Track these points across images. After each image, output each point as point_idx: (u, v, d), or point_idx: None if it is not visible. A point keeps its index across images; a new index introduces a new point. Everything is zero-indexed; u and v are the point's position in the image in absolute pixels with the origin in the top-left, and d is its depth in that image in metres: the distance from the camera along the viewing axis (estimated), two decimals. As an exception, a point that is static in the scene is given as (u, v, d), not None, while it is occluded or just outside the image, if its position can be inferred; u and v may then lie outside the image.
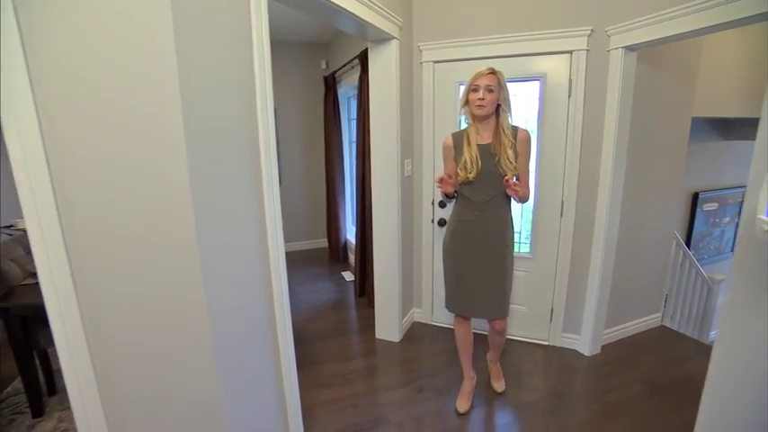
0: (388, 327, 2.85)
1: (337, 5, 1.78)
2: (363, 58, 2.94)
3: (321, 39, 4.55)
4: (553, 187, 2.56)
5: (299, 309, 3.36)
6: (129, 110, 1.09)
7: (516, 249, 2.12)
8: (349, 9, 1.87)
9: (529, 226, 2.73)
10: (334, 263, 4.64)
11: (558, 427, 2.02)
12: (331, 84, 4.35)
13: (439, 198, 2.79)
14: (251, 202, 1.43)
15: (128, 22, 1.04)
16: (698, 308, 3.66)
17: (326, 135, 4.61)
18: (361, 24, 2.09)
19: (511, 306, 2.09)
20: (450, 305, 2.12)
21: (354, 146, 4.16)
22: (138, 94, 1.08)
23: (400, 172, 2.62)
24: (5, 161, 1.09)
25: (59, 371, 2.29)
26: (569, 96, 2.41)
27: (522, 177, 1.93)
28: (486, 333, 2.26)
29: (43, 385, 2.23)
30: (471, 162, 1.88)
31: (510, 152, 1.86)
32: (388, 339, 2.86)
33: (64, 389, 2.28)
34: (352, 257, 4.34)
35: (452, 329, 2.25)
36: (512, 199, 1.92)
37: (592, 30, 2.27)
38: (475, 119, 1.91)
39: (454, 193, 1.98)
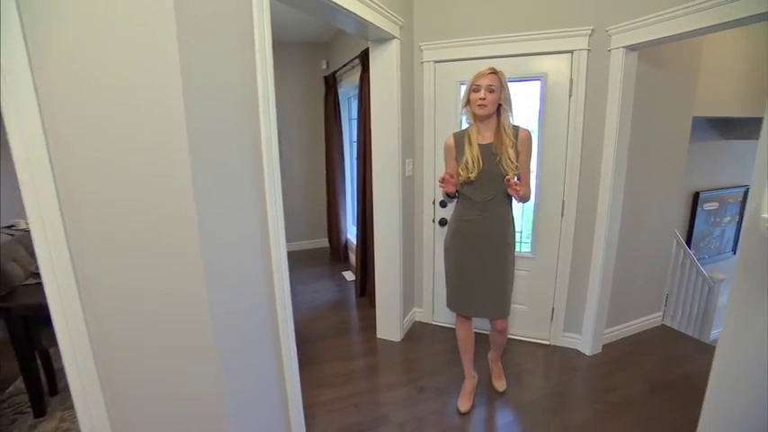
0: (389, 326, 2.86)
1: (338, 5, 1.79)
2: (364, 58, 2.94)
3: (321, 39, 4.56)
4: (554, 187, 2.57)
5: (300, 308, 3.36)
6: (132, 110, 1.09)
7: (517, 249, 2.12)
8: (350, 9, 1.87)
9: (530, 225, 2.73)
10: (334, 262, 4.64)
11: (559, 426, 2.02)
12: (331, 83, 4.35)
13: (440, 198, 2.79)
14: (253, 202, 1.43)
15: (131, 22, 1.04)
16: (698, 307, 3.66)
17: (327, 135, 4.61)
18: (362, 24, 2.09)
19: (512, 305, 2.09)
20: (451, 304, 2.12)
21: (355, 145, 4.16)
22: (140, 94, 1.08)
23: (401, 171, 2.63)
24: (6, 161, 1.09)
25: (61, 371, 2.31)
26: (570, 96, 2.41)
27: (523, 177, 1.93)
28: (488, 332, 2.26)
29: (45, 385, 2.23)
30: (473, 162, 1.88)
31: (511, 152, 1.86)
32: (390, 339, 2.86)
33: (65, 388, 2.30)
34: (352, 257, 4.35)
35: (453, 329, 2.26)
36: (513, 198, 1.92)
37: (592, 29, 2.27)
38: (476, 118, 1.91)
39: (455, 192, 1.98)
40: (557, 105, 2.46)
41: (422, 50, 2.67)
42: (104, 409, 1.22)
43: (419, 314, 3.13)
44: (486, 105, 1.83)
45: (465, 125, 2.10)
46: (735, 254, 4.48)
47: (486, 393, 2.28)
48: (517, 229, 2.08)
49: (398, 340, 2.85)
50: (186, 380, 1.28)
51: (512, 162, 1.85)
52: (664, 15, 1.97)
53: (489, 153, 1.89)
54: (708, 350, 2.78)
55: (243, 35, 1.33)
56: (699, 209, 4.05)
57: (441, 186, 1.88)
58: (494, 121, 1.91)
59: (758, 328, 0.81)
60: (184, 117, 1.07)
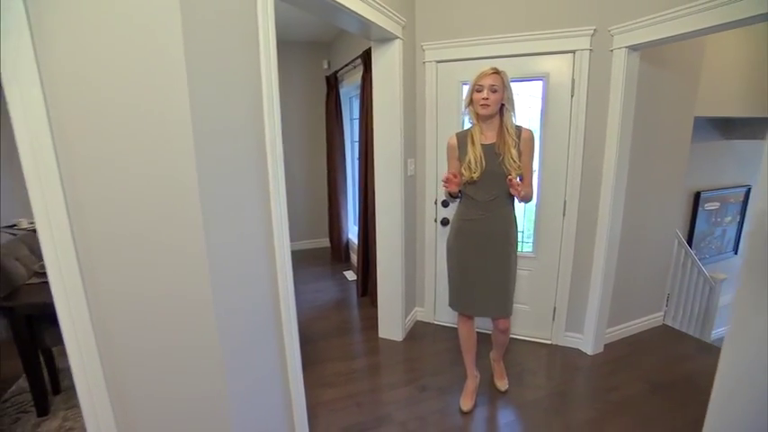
0: (390, 326, 2.86)
1: (342, 5, 1.79)
2: (366, 58, 2.94)
3: (322, 38, 4.56)
4: (556, 186, 2.57)
5: (301, 308, 3.35)
6: (138, 112, 1.09)
7: (519, 248, 2.13)
8: (353, 9, 1.87)
9: (531, 225, 2.74)
10: (336, 262, 4.65)
11: (560, 425, 2.03)
12: (333, 83, 4.35)
13: (442, 197, 2.79)
14: (257, 202, 1.43)
15: (137, 23, 1.04)
16: (700, 307, 3.67)
17: (328, 135, 4.61)
18: (365, 24, 2.09)
19: (514, 305, 2.10)
20: (453, 304, 2.13)
21: (356, 145, 4.17)
22: (146, 95, 1.08)
23: (403, 171, 2.63)
24: (6, 161, 1.10)
25: (64, 370, 2.32)
26: (572, 96, 2.41)
27: (526, 177, 1.94)
28: (490, 332, 2.27)
29: (48, 384, 2.24)
30: (475, 162, 1.88)
31: (514, 151, 1.86)
32: (391, 338, 2.87)
33: (68, 388, 2.31)
34: (353, 257, 4.35)
35: (455, 328, 2.26)
36: (515, 198, 1.92)
37: (595, 29, 2.27)
38: (479, 118, 1.92)
39: (458, 192, 1.99)
40: (559, 105, 2.47)
41: (424, 50, 2.68)
42: (110, 409, 1.23)
43: (421, 314, 3.14)
44: (488, 105, 1.83)
45: (467, 125, 2.10)
46: (736, 254, 4.49)
47: (488, 393, 2.28)
48: (519, 228, 2.09)
49: (400, 340, 2.85)
50: (190, 380, 1.28)
51: (514, 162, 1.86)
52: (666, 15, 1.97)
53: (492, 153, 1.89)
54: (709, 350, 2.79)
55: (247, 35, 1.33)
56: (700, 209, 4.06)
57: (444, 186, 1.89)
58: (496, 120, 1.91)
59: (763, 327, 0.82)
60: (190, 118, 1.08)
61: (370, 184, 3.03)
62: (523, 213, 2.74)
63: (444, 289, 2.44)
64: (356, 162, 4.34)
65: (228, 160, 1.27)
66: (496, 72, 1.83)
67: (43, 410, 2.11)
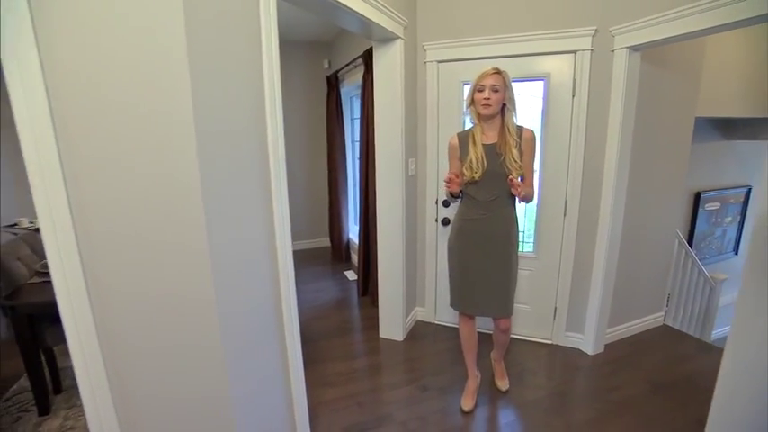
0: (391, 326, 2.86)
1: (344, 5, 1.79)
2: (367, 58, 2.94)
3: (323, 38, 4.56)
4: (556, 186, 2.57)
5: (302, 308, 3.34)
6: (141, 112, 1.09)
7: (520, 248, 2.13)
8: (355, 9, 1.87)
9: (532, 225, 2.74)
10: (336, 262, 4.65)
11: (561, 425, 2.03)
12: (334, 83, 4.35)
13: (443, 197, 2.79)
14: (259, 203, 1.43)
15: (139, 23, 1.04)
16: (700, 307, 3.67)
17: (329, 134, 4.62)
18: (367, 24, 2.09)
19: (515, 305, 2.10)
20: (454, 303, 2.13)
21: (357, 145, 4.17)
22: (149, 95, 1.08)
23: (404, 171, 2.63)
24: (6, 161, 1.10)
25: (65, 369, 2.32)
26: (573, 96, 2.41)
27: (527, 177, 1.94)
28: (491, 332, 2.27)
29: (49, 383, 2.24)
30: (477, 162, 1.88)
31: (515, 152, 1.87)
32: (392, 338, 2.87)
33: (70, 387, 2.31)
34: (354, 256, 4.36)
35: (456, 328, 2.26)
36: (516, 198, 1.93)
37: (596, 30, 2.27)
38: (480, 118, 1.92)
39: (459, 192, 1.99)
40: (560, 105, 2.47)
41: (425, 50, 2.68)
42: (113, 409, 1.23)
43: (421, 313, 3.14)
44: (490, 105, 1.84)
45: (468, 125, 2.10)
46: (736, 254, 4.49)
47: (489, 392, 2.28)
48: (520, 228, 2.09)
49: (401, 339, 2.85)
50: (193, 379, 1.28)
51: (515, 162, 1.86)
52: (668, 16, 1.97)
53: (493, 153, 1.89)
54: (709, 350, 2.80)
55: (250, 36, 1.33)
56: (700, 209, 4.06)
57: (446, 187, 1.89)
58: (498, 121, 1.91)
59: (765, 329, 0.82)
60: (193, 118, 1.08)
61: (371, 184, 3.03)
62: (524, 213, 2.74)
63: (445, 289, 2.44)
64: (357, 162, 4.34)
65: (231, 160, 1.27)
66: (498, 72, 1.83)
67: (44, 409, 2.11)
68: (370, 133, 3.05)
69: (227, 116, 1.24)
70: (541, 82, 2.50)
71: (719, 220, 4.28)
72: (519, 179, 1.88)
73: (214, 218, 1.18)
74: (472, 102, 1.90)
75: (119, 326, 1.22)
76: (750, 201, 4.36)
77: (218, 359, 1.25)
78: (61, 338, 1.68)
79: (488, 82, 1.82)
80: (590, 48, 2.30)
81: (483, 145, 1.91)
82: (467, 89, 1.96)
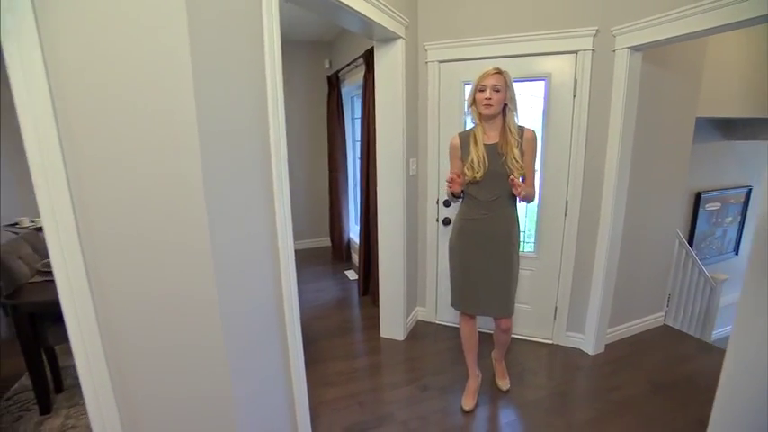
0: (392, 325, 2.87)
1: (345, 5, 1.79)
2: (368, 58, 2.95)
3: (324, 38, 4.56)
4: (558, 186, 2.57)
5: (303, 307, 3.33)
6: (144, 112, 1.09)
7: (521, 248, 2.13)
8: (357, 8, 1.88)
9: (533, 225, 2.74)
10: (336, 261, 4.65)
11: (562, 425, 2.03)
12: (334, 83, 4.35)
13: (444, 197, 2.79)
14: (262, 203, 1.44)
15: (143, 23, 1.05)
16: (700, 307, 3.67)
17: (330, 134, 4.62)
18: (368, 24, 2.10)
19: (515, 305, 2.10)
20: (455, 303, 2.13)
21: (357, 145, 4.17)
22: (152, 95, 1.08)
23: (405, 171, 2.63)
24: (6, 161, 1.10)
25: (66, 368, 2.33)
26: (574, 96, 2.41)
27: (528, 177, 1.94)
28: (491, 331, 2.28)
29: (50, 382, 2.24)
30: (478, 162, 1.89)
31: (516, 151, 1.87)
32: (393, 338, 2.87)
33: (71, 386, 2.32)
34: (354, 256, 4.36)
35: (457, 328, 2.27)
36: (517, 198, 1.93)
37: (597, 30, 2.27)
38: (482, 118, 1.92)
39: (461, 192, 1.99)
40: (561, 105, 2.47)
41: (426, 50, 2.68)
42: (115, 409, 1.23)
43: (422, 313, 3.14)
44: (491, 105, 1.84)
45: (469, 125, 2.11)
46: (737, 254, 4.49)
47: (490, 392, 2.29)
48: (521, 228, 2.09)
49: (402, 339, 2.86)
50: (195, 379, 1.29)
51: (517, 162, 1.86)
52: (669, 16, 1.97)
53: (495, 153, 1.89)
54: (710, 350, 2.80)
55: (252, 36, 1.33)
56: (701, 209, 4.06)
57: (448, 187, 1.89)
58: (499, 121, 1.91)
59: (766, 329, 0.83)
60: (195, 118, 1.08)
61: (372, 184, 3.03)
62: (525, 213, 2.74)
63: (446, 288, 2.44)
64: (357, 161, 4.34)
65: (234, 160, 1.27)
66: (499, 72, 1.84)
67: (46, 408, 2.12)
68: (371, 133, 3.05)
69: (230, 116, 1.25)
70: (542, 82, 2.50)
71: (720, 220, 4.28)
72: (520, 179, 1.88)
73: (216, 218, 1.18)
74: (473, 102, 1.90)
75: (121, 325, 1.22)
76: (750, 201, 4.37)
77: (221, 359, 1.26)
78: (63, 337, 1.68)
79: (490, 82, 1.82)
80: (591, 48, 2.31)
81: (484, 145, 1.91)
82: (468, 89, 1.97)
